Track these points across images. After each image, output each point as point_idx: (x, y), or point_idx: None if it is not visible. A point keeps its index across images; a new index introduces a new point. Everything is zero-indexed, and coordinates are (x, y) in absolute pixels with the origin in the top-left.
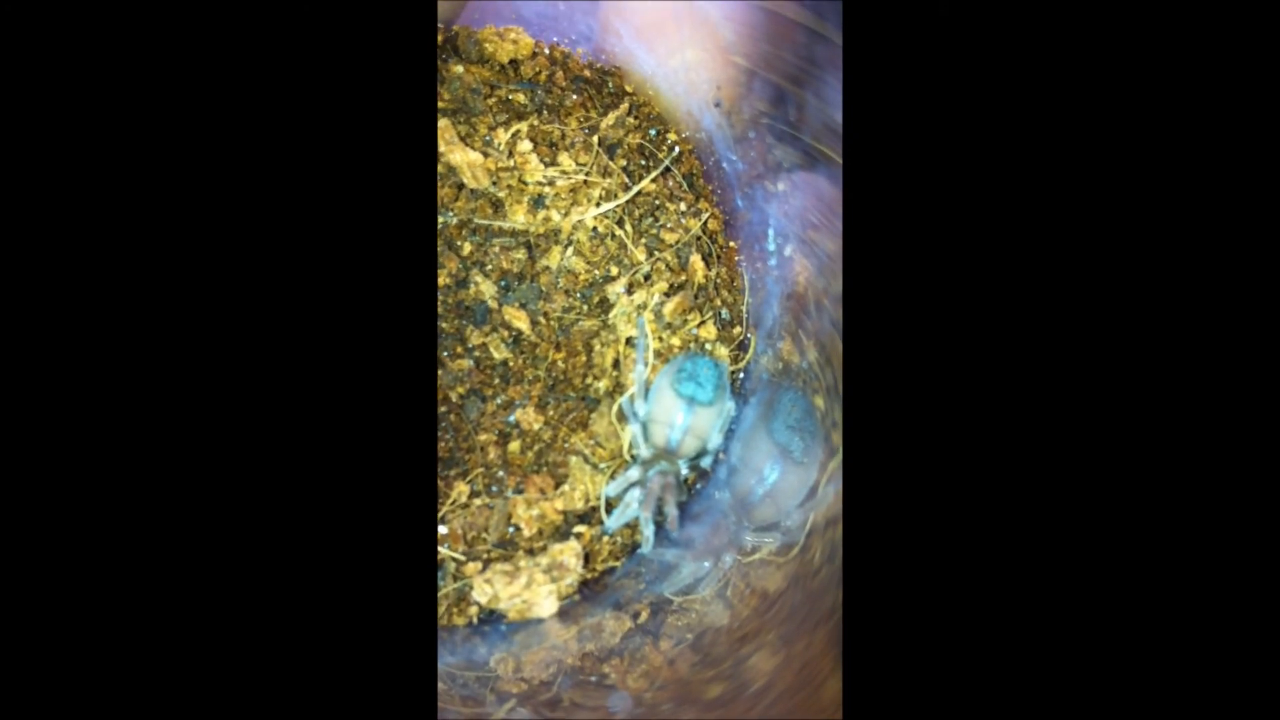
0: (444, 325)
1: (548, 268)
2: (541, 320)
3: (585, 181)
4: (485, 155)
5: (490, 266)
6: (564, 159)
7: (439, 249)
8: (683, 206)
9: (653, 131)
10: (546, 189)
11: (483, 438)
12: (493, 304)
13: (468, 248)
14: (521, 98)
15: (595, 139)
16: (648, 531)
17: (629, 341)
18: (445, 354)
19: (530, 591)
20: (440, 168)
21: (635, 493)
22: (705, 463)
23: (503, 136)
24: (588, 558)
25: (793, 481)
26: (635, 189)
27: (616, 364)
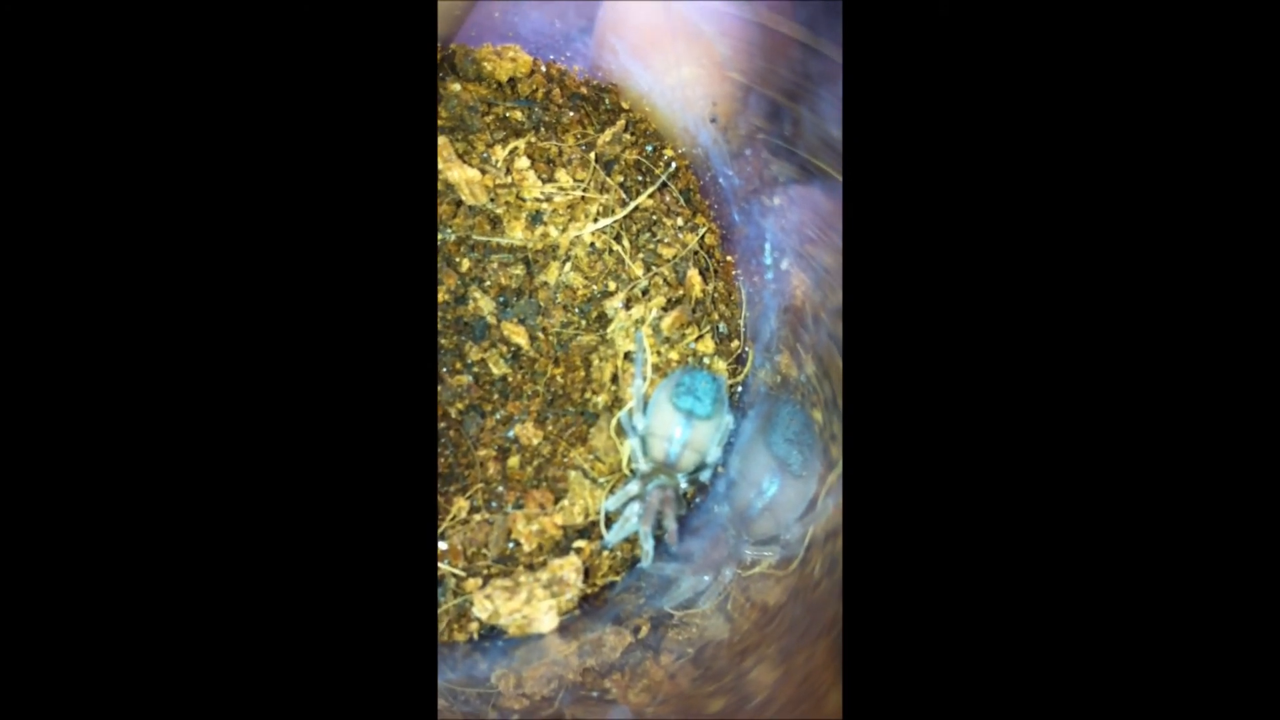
0: (443, 341)
1: (546, 283)
2: (540, 336)
3: (583, 197)
4: (483, 172)
5: (489, 282)
6: (561, 175)
7: (438, 265)
8: (680, 221)
9: (649, 147)
10: (544, 205)
11: (482, 453)
12: (491, 320)
13: (466, 264)
14: (519, 115)
15: (592, 155)
16: (647, 546)
17: (627, 356)
18: (444, 370)
19: (530, 607)
20: (438, 185)
21: (635, 507)
22: (704, 476)
23: (500, 153)
24: (588, 573)
25: (791, 495)
26: (632, 204)
27: (615, 379)
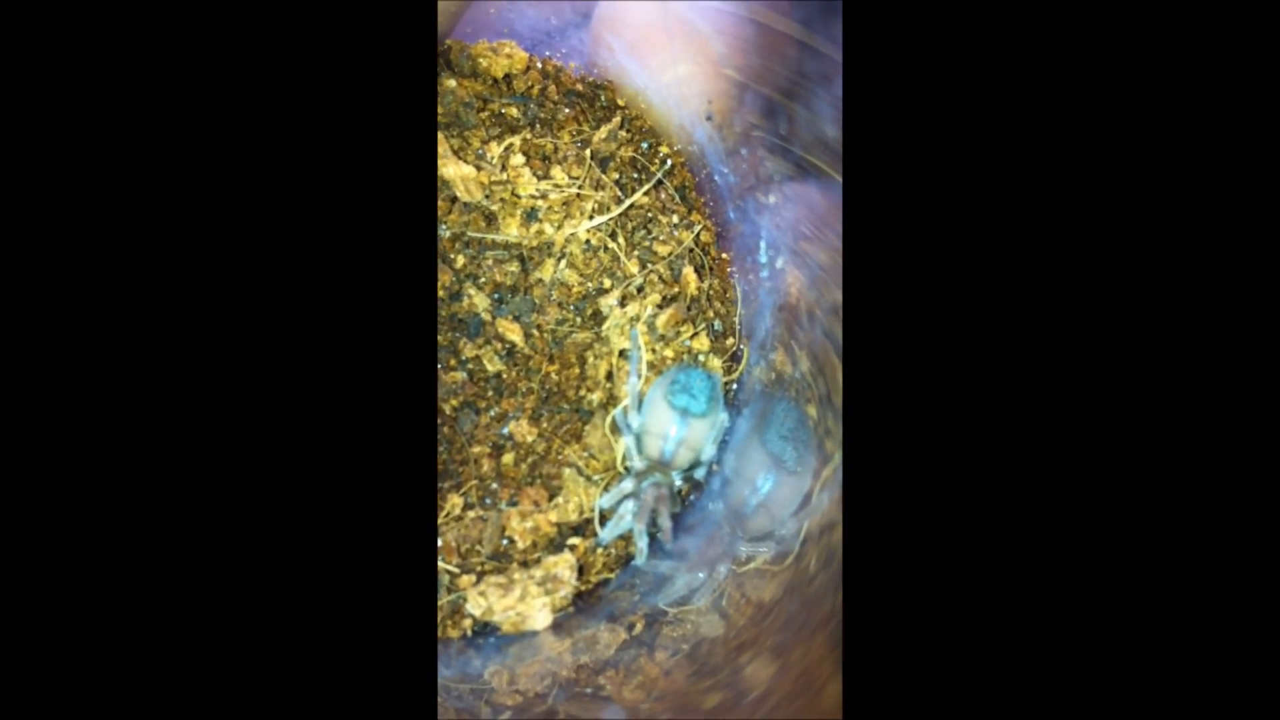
0: (438, 338)
1: (541, 280)
2: (535, 333)
3: (578, 195)
4: (478, 169)
5: (484, 279)
6: (557, 172)
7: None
8: (675, 219)
9: (645, 145)
10: (539, 202)
11: (477, 450)
12: (486, 317)
13: (461, 261)
14: (514, 111)
15: (588, 152)
16: (642, 543)
17: (622, 354)
18: (439, 366)
19: (524, 604)
20: None
21: (629, 504)
22: (699, 474)
23: (496, 150)
24: (582, 570)
25: (786, 491)
26: (628, 202)
27: (610, 376)
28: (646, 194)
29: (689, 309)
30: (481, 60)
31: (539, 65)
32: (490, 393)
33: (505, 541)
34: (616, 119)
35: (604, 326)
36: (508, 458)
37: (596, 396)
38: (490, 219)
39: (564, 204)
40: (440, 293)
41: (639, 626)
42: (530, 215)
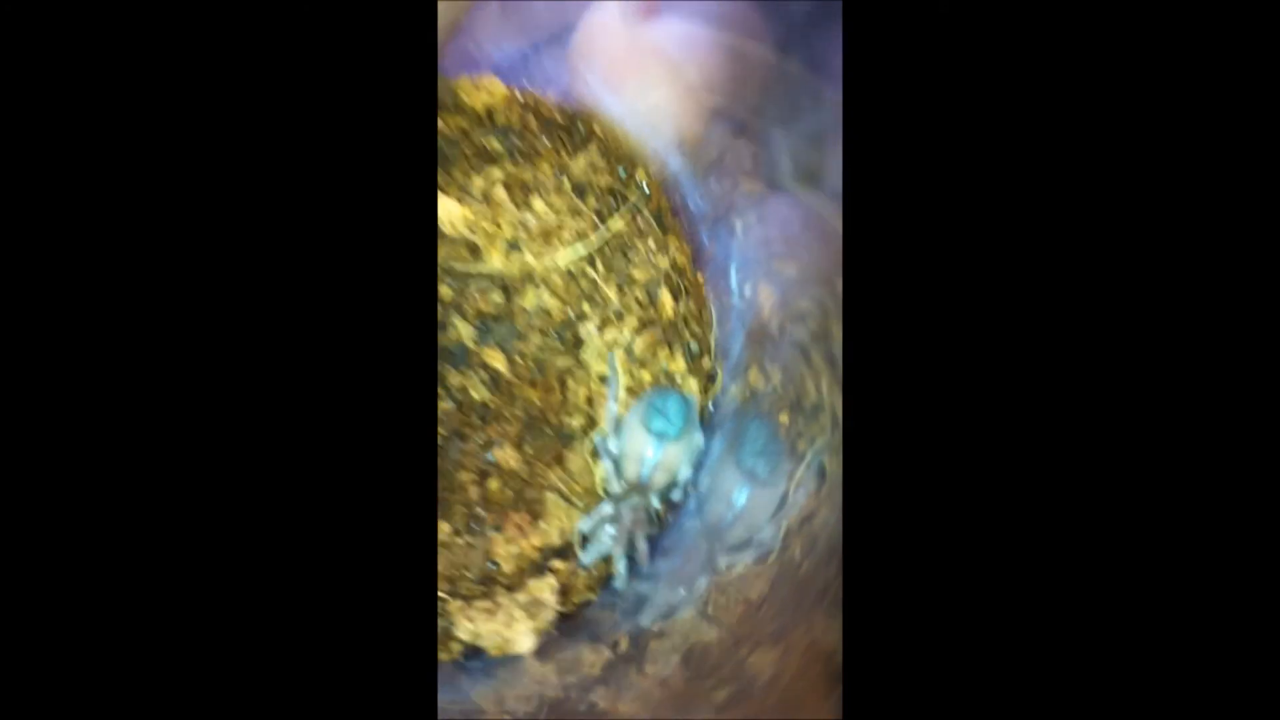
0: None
1: (524, 309)
2: (518, 359)
3: (558, 225)
4: (460, 202)
5: (468, 309)
6: (536, 202)
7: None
8: (651, 244)
9: (621, 171)
10: (520, 233)
11: (463, 477)
12: (471, 345)
13: (448, 293)
14: (495, 144)
15: (565, 180)
16: (620, 566)
17: (602, 379)
18: None
19: (510, 629)
20: None
21: (608, 528)
22: (675, 495)
23: (478, 183)
24: (564, 592)
25: (762, 500)
26: (605, 231)
27: (590, 401)
28: (623, 221)
29: (665, 332)
30: (464, 96)
31: (519, 97)
32: (476, 420)
33: (491, 566)
34: (593, 147)
35: (584, 352)
36: (493, 484)
37: (577, 421)
38: (474, 250)
39: (544, 234)
40: None
41: (624, 644)
42: (512, 245)
